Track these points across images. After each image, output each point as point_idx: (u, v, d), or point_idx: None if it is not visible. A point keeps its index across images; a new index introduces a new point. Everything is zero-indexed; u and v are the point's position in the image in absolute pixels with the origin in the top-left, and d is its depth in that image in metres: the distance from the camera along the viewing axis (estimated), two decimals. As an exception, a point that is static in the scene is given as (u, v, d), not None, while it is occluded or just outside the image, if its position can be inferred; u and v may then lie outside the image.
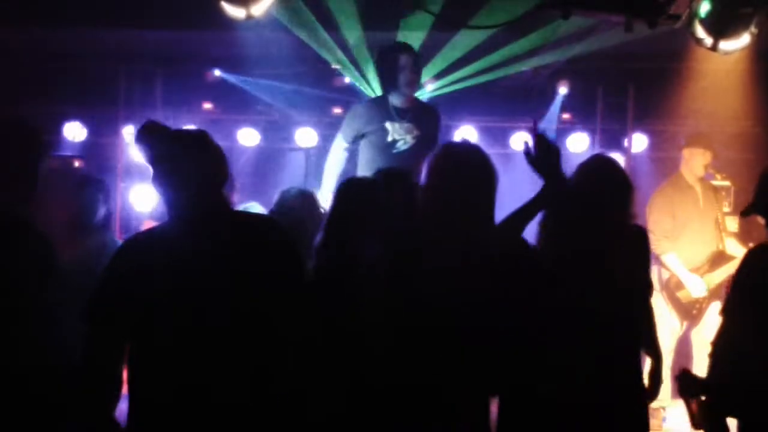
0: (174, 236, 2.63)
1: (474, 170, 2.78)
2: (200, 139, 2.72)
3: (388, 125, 4.91)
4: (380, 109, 4.98)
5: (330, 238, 2.97)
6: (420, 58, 5.13)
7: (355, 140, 5.00)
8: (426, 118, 5.02)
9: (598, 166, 3.21)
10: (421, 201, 2.83)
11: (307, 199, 3.98)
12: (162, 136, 2.68)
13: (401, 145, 4.89)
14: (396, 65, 4.93)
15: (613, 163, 3.25)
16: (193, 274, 2.56)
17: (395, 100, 4.97)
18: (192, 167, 2.63)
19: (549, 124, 7.84)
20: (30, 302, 2.72)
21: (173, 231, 2.65)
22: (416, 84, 4.99)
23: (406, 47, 5.17)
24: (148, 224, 5.37)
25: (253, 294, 2.59)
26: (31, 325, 2.71)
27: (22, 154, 2.87)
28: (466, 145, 3.05)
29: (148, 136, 2.67)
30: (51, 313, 2.79)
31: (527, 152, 2.92)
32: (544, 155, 2.88)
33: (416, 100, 5.16)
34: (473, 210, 2.74)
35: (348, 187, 3.10)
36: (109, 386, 2.60)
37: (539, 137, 2.92)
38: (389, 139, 4.91)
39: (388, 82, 4.99)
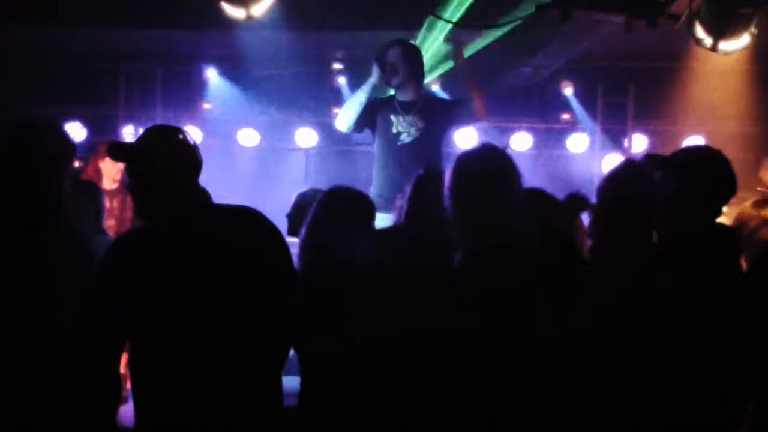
0: (161, 235, 2.63)
1: (489, 176, 2.68)
2: (159, 136, 2.71)
3: (392, 117, 4.94)
4: (389, 103, 5.02)
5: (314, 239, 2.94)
6: (413, 51, 5.04)
7: (371, 111, 4.96)
8: (435, 111, 4.98)
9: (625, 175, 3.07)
10: (449, 212, 2.72)
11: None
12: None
13: (405, 138, 4.89)
14: (384, 60, 4.93)
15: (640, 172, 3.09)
16: (184, 271, 2.56)
17: (399, 95, 4.98)
18: (153, 165, 2.63)
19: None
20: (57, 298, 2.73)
21: (159, 230, 2.65)
22: (404, 77, 4.90)
23: (395, 42, 5.13)
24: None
25: (245, 286, 2.59)
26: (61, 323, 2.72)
27: (51, 156, 2.88)
28: (480, 152, 2.92)
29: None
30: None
31: None
32: None
33: (425, 94, 5.14)
34: (497, 214, 2.65)
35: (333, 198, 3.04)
36: (108, 386, 2.61)
37: None
38: (393, 131, 4.93)
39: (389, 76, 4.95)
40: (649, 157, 2.98)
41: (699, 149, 3.02)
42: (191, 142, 2.71)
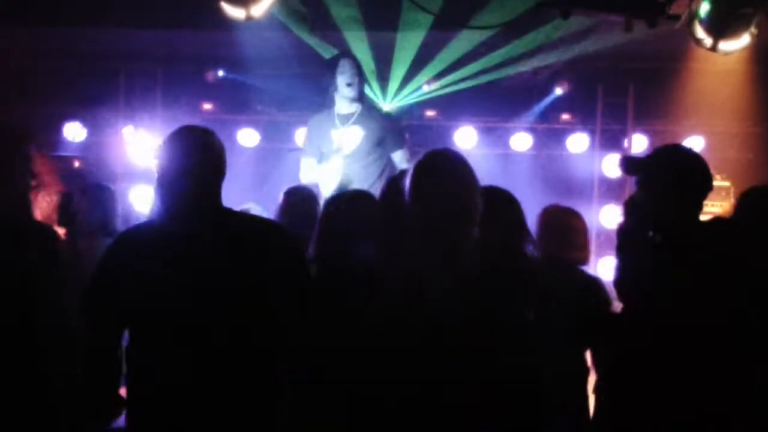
0: (170, 232, 2.65)
1: (446, 181, 2.69)
2: (204, 136, 2.73)
3: (332, 133, 4.99)
4: (327, 118, 5.07)
5: (322, 249, 2.93)
6: (361, 70, 5.12)
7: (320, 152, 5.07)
8: (372, 119, 5.03)
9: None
10: (406, 213, 2.74)
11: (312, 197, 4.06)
12: (174, 136, 2.72)
13: (346, 150, 4.94)
14: (335, 70, 4.99)
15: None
16: (187, 269, 2.57)
17: (339, 106, 5.05)
18: (196, 165, 2.65)
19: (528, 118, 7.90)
20: (39, 292, 2.76)
21: (170, 226, 2.66)
22: (356, 86, 5.00)
23: (346, 53, 5.28)
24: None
25: (249, 292, 2.60)
26: (41, 314, 2.76)
27: (9, 151, 2.91)
28: (439, 155, 2.93)
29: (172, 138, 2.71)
30: (59, 301, 2.83)
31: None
32: None
33: (362, 104, 5.14)
34: (452, 221, 2.66)
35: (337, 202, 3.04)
36: (109, 371, 2.65)
37: None
38: (335, 146, 4.96)
39: (332, 88, 5.05)
40: (623, 162, 2.99)
41: (661, 148, 2.99)
42: (214, 145, 2.71)
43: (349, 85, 4.96)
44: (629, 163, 2.96)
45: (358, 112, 5.03)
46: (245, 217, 2.77)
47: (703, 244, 2.75)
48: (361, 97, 5.08)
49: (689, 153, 2.91)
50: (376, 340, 2.65)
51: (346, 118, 5.02)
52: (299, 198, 3.97)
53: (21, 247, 2.78)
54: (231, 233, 2.66)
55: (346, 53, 5.29)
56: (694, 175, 2.83)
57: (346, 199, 3.03)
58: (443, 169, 2.71)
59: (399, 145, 5.01)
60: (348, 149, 4.94)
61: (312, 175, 5.02)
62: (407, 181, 2.72)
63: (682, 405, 2.69)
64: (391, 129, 5.06)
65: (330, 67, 5.10)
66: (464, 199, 2.67)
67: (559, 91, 7.92)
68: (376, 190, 3.64)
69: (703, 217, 2.90)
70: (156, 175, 2.69)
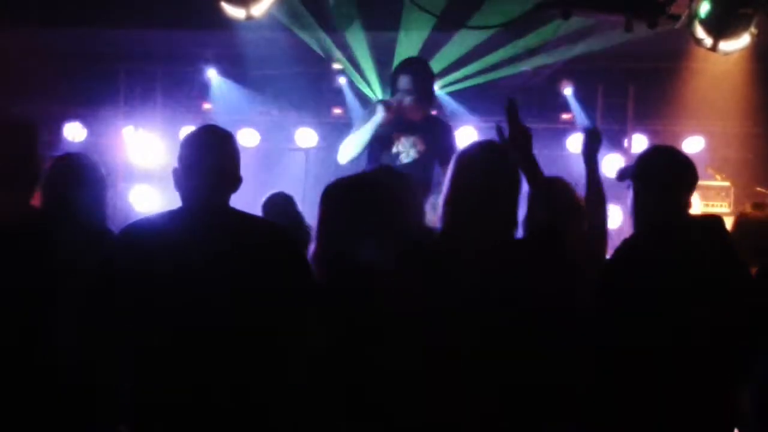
0: (177, 227, 2.66)
1: (488, 172, 2.83)
2: (229, 138, 2.83)
3: (394, 135, 4.78)
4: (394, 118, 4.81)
5: (327, 244, 2.92)
6: (423, 76, 4.84)
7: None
8: (434, 133, 4.84)
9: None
10: (444, 201, 2.82)
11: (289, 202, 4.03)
12: (200, 133, 2.78)
13: (404, 158, 4.75)
14: (396, 86, 4.79)
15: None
16: (190, 268, 2.57)
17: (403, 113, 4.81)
18: (218, 164, 2.73)
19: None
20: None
21: (177, 222, 2.68)
22: (416, 104, 4.77)
23: (405, 66, 4.93)
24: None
25: (253, 292, 2.60)
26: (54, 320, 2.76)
27: (21, 149, 2.90)
28: (484, 147, 3.07)
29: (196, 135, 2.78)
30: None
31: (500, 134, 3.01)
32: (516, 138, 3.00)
33: (429, 115, 4.98)
34: (492, 211, 2.75)
35: (337, 189, 3.01)
36: (112, 371, 2.66)
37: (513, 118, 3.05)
38: (394, 150, 4.78)
39: (401, 91, 4.80)
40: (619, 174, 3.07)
41: (645, 151, 3.11)
42: (226, 147, 2.79)
43: (406, 105, 4.77)
44: (622, 173, 3.04)
45: (423, 122, 4.84)
46: (249, 218, 2.78)
47: (697, 240, 2.79)
48: (427, 108, 4.93)
49: (674, 151, 3.00)
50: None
51: (410, 127, 4.82)
52: None
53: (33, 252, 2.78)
54: (234, 233, 2.67)
55: (408, 67, 4.97)
56: (682, 171, 2.90)
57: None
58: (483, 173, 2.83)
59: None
60: (406, 158, 4.76)
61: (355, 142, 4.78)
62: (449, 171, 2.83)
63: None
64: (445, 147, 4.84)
65: (394, 75, 4.91)
66: (494, 193, 2.77)
67: (568, 91, 7.91)
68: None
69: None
70: (181, 171, 2.72)
